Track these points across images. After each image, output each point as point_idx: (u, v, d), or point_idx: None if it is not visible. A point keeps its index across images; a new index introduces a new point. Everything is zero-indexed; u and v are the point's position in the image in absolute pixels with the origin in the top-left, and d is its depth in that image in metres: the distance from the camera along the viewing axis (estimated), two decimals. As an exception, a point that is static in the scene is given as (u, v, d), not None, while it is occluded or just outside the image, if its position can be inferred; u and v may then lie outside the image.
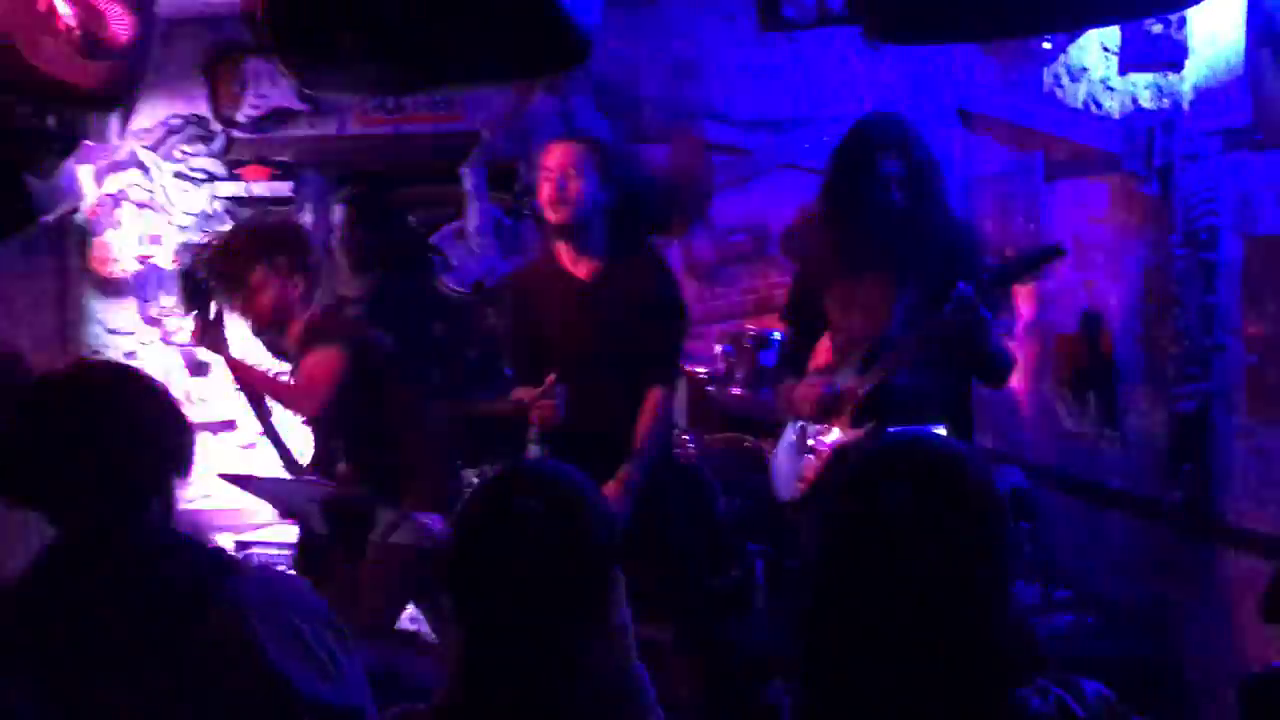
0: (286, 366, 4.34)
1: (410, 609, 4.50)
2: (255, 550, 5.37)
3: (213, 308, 4.17)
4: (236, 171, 5.98)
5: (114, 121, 5.70)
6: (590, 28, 3.08)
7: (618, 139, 5.77)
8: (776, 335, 4.97)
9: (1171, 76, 4.04)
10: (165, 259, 5.95)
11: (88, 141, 5.17)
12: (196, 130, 5.95)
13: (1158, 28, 4.04)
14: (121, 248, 5.91)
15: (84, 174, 5.81)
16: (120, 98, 3.41)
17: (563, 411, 3.92)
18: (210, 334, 4.18)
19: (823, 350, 4.07)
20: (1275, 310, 3.58)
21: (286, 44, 3.10)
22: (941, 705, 1.59)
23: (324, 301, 4.38)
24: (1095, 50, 4.52)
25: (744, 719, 1.78)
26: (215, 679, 1.62)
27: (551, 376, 3.93)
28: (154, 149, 5.92)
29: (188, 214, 5.93)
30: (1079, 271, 4.64)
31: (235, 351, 4.26)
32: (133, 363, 5.15)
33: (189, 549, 1.73)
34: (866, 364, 3.84)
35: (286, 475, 4.20)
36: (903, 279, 3.85)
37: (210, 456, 5.24)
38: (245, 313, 4.17)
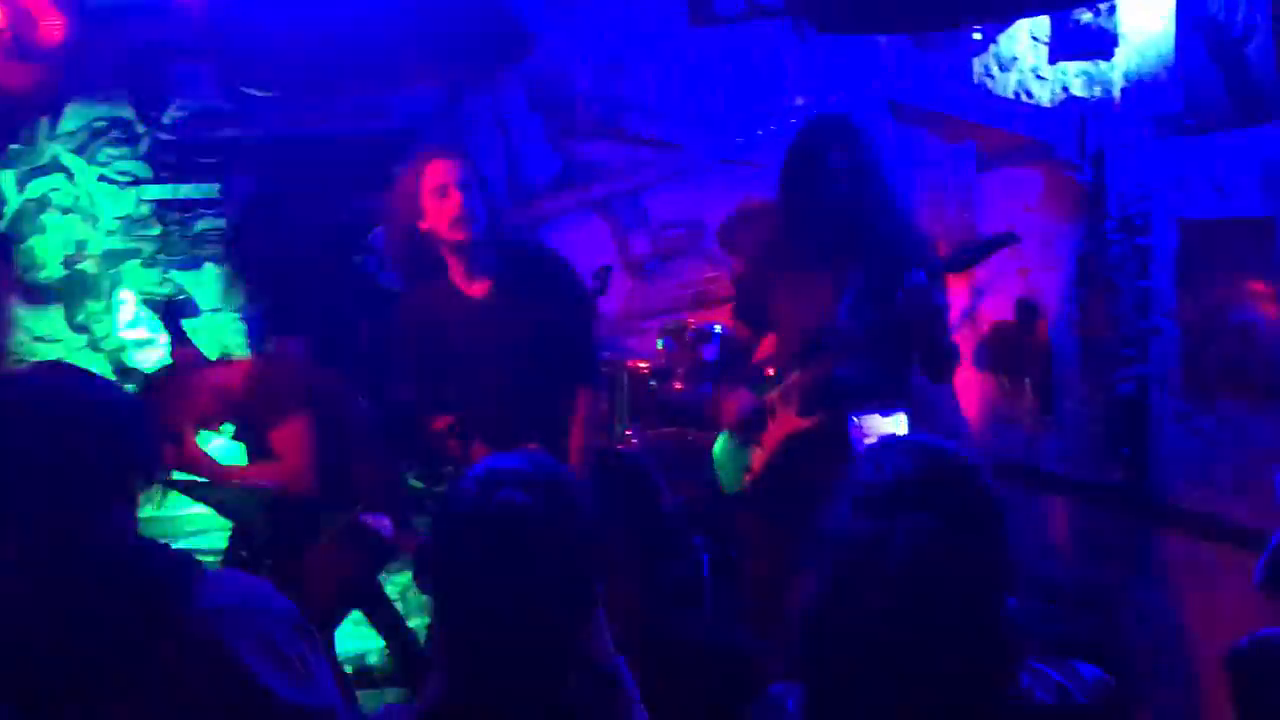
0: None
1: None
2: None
3: None
4: (162, 174, 5.88)
5: (44, 124, 5.59)
6: (532, 23, 3.07)
7: (551, 135, 5.77)
8: (718, 329, 4.98)
9: (1102, 65, 4.10)
10: (91, 264, 5.84)
11: (13, 145, 5.07)
12: (121, 133, 5.83)
13: (1087, 17, 4.10)
14: (46, 254, 5.80)
15: (5, 179, 5.69)
16: (52, 99, 3.34)
17: (467, 451, 3.87)
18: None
19: (767, 344, 4.09)
20: (1209, 293, 3.64)
21: (226, 41, 3.04)
22: (951, 700, 1.60)
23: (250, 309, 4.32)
24: (1025, 40, 4.57)
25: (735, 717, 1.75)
26: (189, 685, 1.59)
27: (445, 421, 3.90)
28: (78, 153, 5.80)
29: (114, 218, 5.82)
30: (1013, 260, 4.70)
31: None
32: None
33: (156, 553, 1.70)
34: (811, 353, 3.87)
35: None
36: (848, 273, 3.88)
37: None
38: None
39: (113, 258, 5.73)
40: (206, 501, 4.18)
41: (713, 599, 4.64)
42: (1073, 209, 4.35)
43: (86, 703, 1.59)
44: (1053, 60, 4.39)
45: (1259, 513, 3.50)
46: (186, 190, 5.90)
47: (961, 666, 1.60)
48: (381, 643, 4.80)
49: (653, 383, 5.00)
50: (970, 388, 5.11)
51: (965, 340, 5.03)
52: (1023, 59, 4.60)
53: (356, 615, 4.53)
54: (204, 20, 3.83)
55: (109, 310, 5.70)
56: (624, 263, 5.76)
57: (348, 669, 4.76)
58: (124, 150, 5.85)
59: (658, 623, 4.26)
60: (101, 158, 5.83)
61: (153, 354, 5.56)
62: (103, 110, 5.81)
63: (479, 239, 3.88)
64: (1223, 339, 3.59)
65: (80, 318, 5.87)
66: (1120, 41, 3.98)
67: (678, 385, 5.06)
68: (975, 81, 4.94)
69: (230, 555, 4.39)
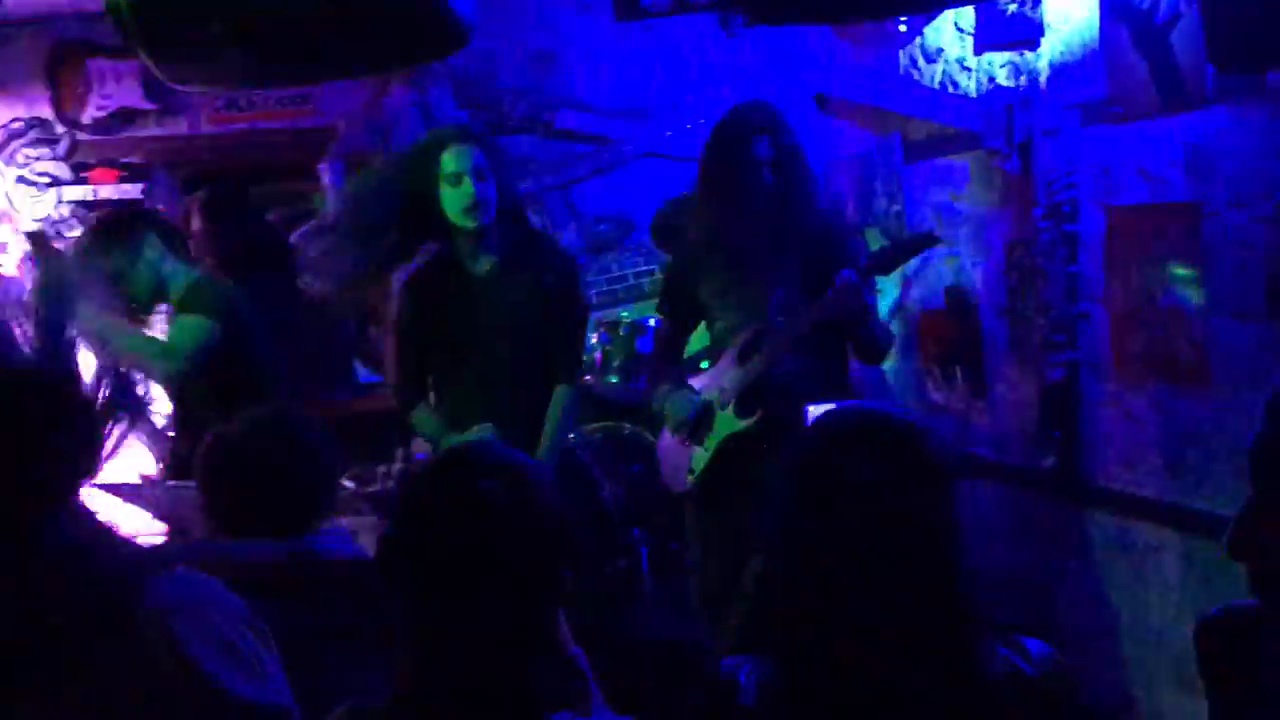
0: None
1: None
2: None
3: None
4: (83, 175, 5.78)
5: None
6: (467, 15, 3.05)
7: (479, 130, 5.73)
8: (652, 322, 4.99)
9: (1028, 54, 4.15)
10: (10, 266, 5.73)
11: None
12: (40, 133, 5.73)
13: (1012, 7, 4.15)
14: (-36, 256, 5.69)
15: (-79, 182, 5.58)
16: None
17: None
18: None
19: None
20: (1137, 278, 3.70)
21: (150, 36, 2.99)
22: (913, 673, 1.61)
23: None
24: (950, 31, 4.62)
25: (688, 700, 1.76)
26: (143, 683, 1.56)
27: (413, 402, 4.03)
28: (-5, 154, 5.70)
29: (34, 220, 5.72)
30: (943, 249, 4.74)
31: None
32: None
33: (107, 548, 1.66)
34: (746, 353, 3.89)
35: (168, 482, 4.09)
36: (777, 265, 3.90)
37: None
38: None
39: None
40: (138, 504, 4.11)
41: (653, 593, 4.65)
42: (1001, 197, 4.39)
43: (36, 702, 1.55)
44: (978, 51, 4.43)
45: (1189, 493, 3.57)
46: (107, 191, 5.81)
47: (919, 626, 1.62)
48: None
49: (588, 377, 5.00)
50: (901, 376, 5.15)
51: (894, 330, 5.07)
52: (949, 50, 4.64)
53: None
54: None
55: (29, 314, 5.59)
56: (555, 258, 5.75)
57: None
58: (42, 151, 5.75)
59: (600, 617, 4.26)
60: (19, 159, 5.73)
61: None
62: (20, 110, 5.71)
63: (489, 224, 3.89)
64: (1150, 323, 3.64)
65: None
66: (1045, 31, 4.03)
67: (612, 379, 5.06)
68: (902, 73, 4.98)
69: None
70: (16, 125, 5.72)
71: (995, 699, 1.67)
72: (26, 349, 1.67)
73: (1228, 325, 3.34)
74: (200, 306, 4.16)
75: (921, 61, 4.85)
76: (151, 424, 4.27)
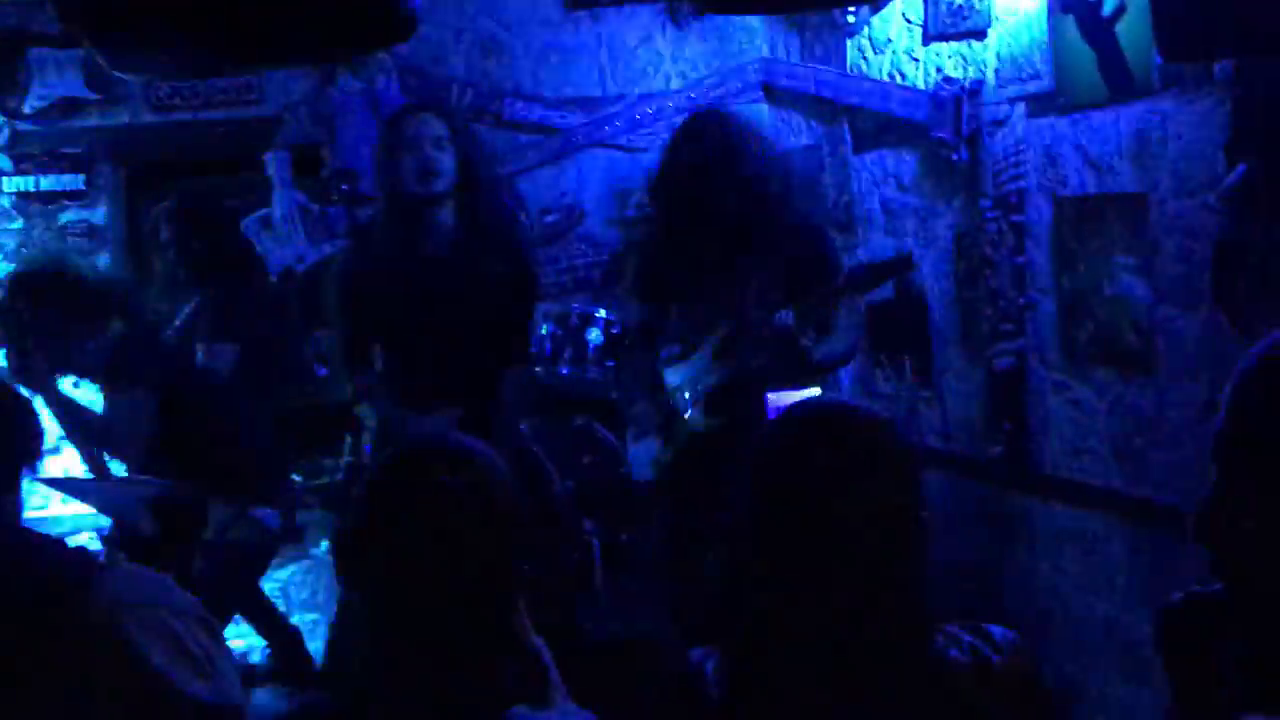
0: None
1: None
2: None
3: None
4: (24, 166, 5.69)
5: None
6: (414, 3, 3.02)
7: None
8: (602, 313, 4.98)
9: (975, 45, 4.16)
10: (-49, 260, 5.64)
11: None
12: (-20, 124, 5.64)
13: (960, -2, 4.17)
14: (-97, 251, 5.59)
15: None
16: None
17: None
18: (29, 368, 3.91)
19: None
20: (1083, 267, 3.72)
21: (93, 22, 2.94)
22: (870, 661, 1.62)
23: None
24: (898, 22, 4.63)
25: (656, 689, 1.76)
26: (92, 681, 1.53)
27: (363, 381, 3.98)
28: (-67, 146, 5.60)
29: (-27, 211, 5.63)
30: (890, 239, 4.76)
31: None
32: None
33: (51, 547, 1.63)
34: (719, 354, 3.90)
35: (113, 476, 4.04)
36: (750, 264, 3.90)
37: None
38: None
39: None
40: (83, 499, 4.06)
41: (606, 585, 4.65)
42: (949, 188, 4.41)
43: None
44: (926, 42, 4.45)
45: (1136, 480, 3.60)
46: (48, 182, 5.73)
47: (883, 617, 1.63)
48: (263, 642, 4.73)
49: (537, 368, 4.97)
50: (850, 366, 5.16)
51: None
52: (897, 41, 4.65)
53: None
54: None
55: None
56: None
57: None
58: (-18, 141, 5.66)
59: (552, 611, 4.24)
60: (-42, 151, 5.64)
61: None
62: (-42, 102, 5.62)
63: (443, 194, 3.86)
64: (1097, 312, 3.67)
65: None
66: (993, 22, 4.05)
67: (563, 370, 5.04)
68: (849, 64, 4.98)
69: (106, 555, 4.27)
70: (-46, 115, 5.62)
71: (959, 687, 1.67)
72: None
73: (1174, 314, 3.37)
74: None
75: (870, 52, 4.85)
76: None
